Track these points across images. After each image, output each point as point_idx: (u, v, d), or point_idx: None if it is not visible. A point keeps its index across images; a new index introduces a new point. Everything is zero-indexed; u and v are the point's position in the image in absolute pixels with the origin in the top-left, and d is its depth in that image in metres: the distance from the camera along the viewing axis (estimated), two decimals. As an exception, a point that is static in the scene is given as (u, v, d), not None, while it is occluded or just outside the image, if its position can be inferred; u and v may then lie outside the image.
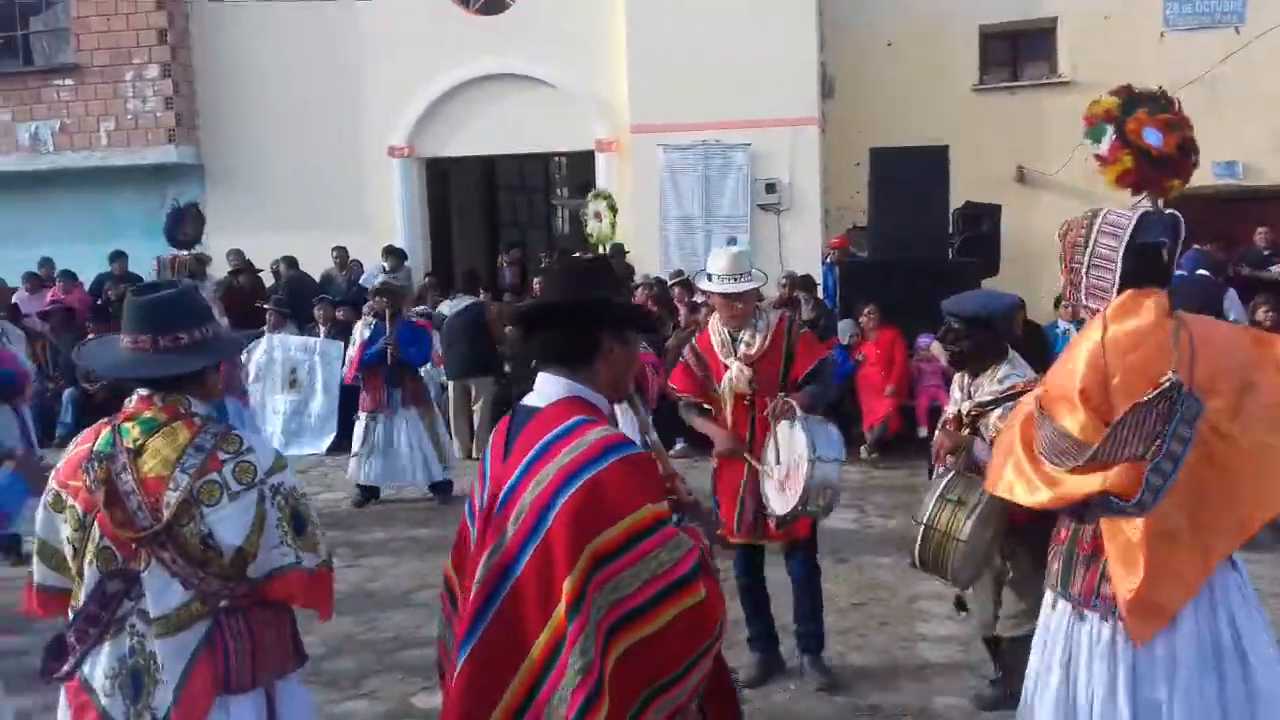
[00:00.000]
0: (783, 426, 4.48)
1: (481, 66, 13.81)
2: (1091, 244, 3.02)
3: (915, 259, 10.43)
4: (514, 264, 14.36)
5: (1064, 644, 2.94)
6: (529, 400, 2.36)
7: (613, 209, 9.70)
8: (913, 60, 13.47)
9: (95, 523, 2.46)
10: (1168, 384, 2.70)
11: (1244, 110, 12.92)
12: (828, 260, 12.74)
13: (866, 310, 10.05)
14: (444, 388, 10.50)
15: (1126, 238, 2.98)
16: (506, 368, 10.13)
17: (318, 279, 13.04)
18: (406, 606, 6.04)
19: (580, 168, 16.82)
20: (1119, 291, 2.93)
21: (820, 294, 12.10)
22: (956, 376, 4.36)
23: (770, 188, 12.94)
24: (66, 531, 2.53)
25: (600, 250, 8.38)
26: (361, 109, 14.17)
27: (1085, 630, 2.89)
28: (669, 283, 11.60)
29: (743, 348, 4.69)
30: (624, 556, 2.12)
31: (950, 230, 11.36)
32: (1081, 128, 3.33)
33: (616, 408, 3.97)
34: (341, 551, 7.12)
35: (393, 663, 5.26)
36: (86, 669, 2.51)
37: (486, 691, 2.19)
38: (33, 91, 14.86)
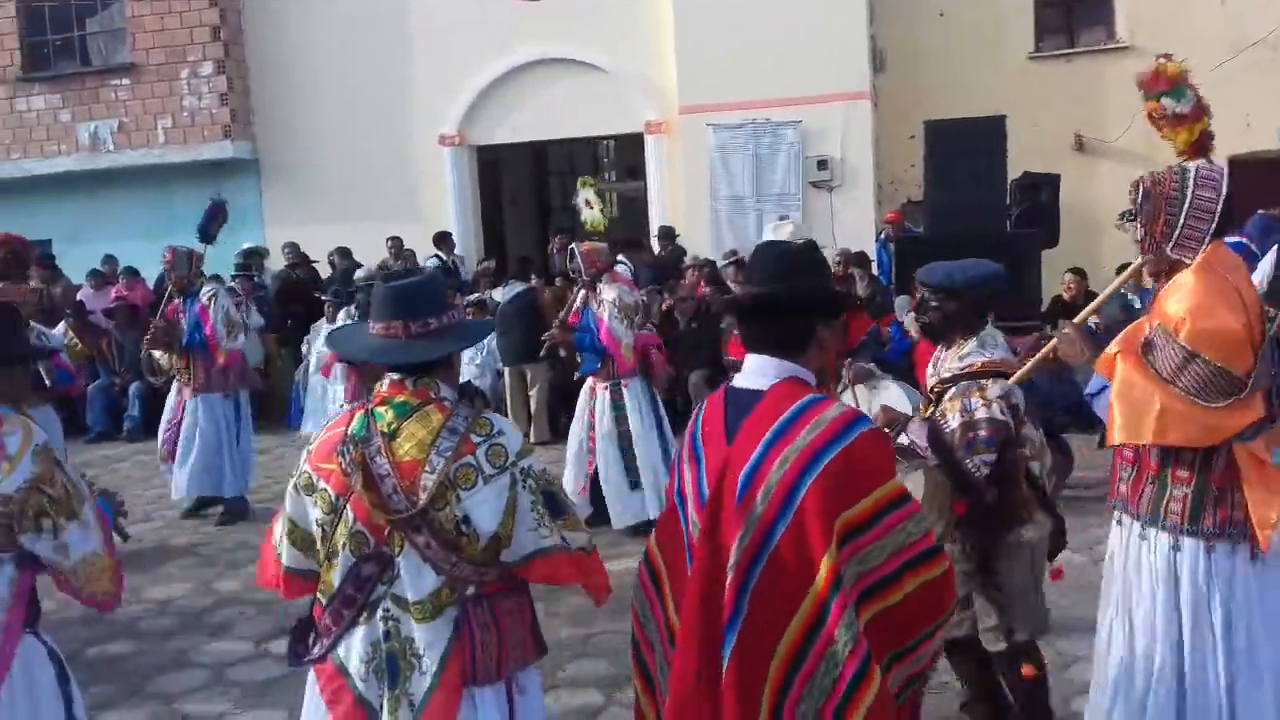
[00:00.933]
0: (861, 390, 4.53)
1: (529, 52, 13.81)
2: (1189, 196, 3.07)
3: (972, 232, 10.20)
4: (563, 249, 14.33)
5: (1191, 578, 3.04)
6: (743, 383, 2.44)
7: (600, 195, 9.63)
8: (966, 30, 13.25)
9: (348, 506, 2.47)
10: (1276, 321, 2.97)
11: (1310, 70, 12.58)
12: (882, 236, 12.59)
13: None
14: (500, 374, 10.57)
15: (1225, 189, 3.06)
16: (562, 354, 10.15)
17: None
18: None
19: (629, 150, 16.77)
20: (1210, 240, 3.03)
21: (875, 270, 11.98)
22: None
23: (822, 164, 12.80)
24: (317, 514, 2.53)
25: (597, 236, 8.37)
26: (412, 98, 14.25)
27: (1209, 562, 3.02)
28: (723, 263, 11.53)
29: None
30: (873, 529, 2.22)
31: (1008, 202, 11.17)
32: (1156, 88, 3.45)
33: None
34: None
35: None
36: (341, 653, 2.51)
37: (755, 668, 2.26)
38: (91, 91, 15.13)
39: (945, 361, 3.75)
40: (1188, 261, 3.06)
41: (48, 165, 15.24)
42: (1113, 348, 3.16)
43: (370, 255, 13.22)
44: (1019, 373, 3.64)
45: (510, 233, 16.53)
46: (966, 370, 3.61)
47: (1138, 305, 7.25)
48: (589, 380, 7.13)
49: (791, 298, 2.44)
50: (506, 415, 9.44)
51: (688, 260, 11.98)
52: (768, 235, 4.84)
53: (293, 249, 13.31)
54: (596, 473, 6.94)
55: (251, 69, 14.88)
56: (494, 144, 14.68)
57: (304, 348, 11.52)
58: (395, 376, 2.57)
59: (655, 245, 13.08)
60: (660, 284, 11.16)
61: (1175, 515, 3.05)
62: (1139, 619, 3.13)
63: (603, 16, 13.37)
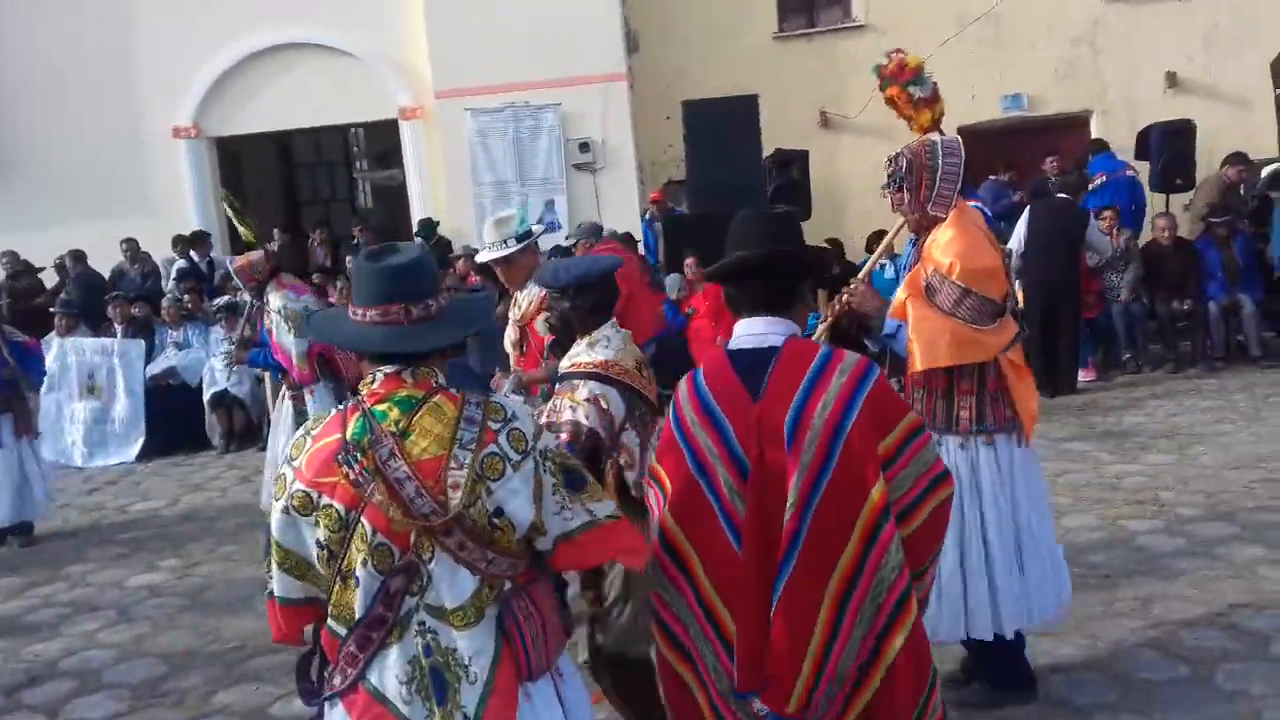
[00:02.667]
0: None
1: (269, 37, 13.05)
2: (940, 164, 3.73)
3: (733, 209, 10.49)
4: (323, 243, 13.72)
5: (988, 468, 3.67)
6: (746, 344, 2.57)
7: (236, 210, 9.29)
8: (712, 10, 13.57)
9: (362, 519, 2.16)
10: (1010, 254, 4.15)
11: (1027, 44, 13.62)
12: (647, 216, 12.73)
13: (689, 263, 10.08)
14: (259, 380, 9.94)
15: (962, 155, 3.77)
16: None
17: (107, 275, 12.08)
18: (250, 612, 5.66)
19: (382, 137, 16.22)
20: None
21: (642, 250, 12.09)
22: None
23: (584, 147, 12.78)
24: (319, 534, 2.20)
25: (256, 247, 8.09)
26: (140, 89, 13.16)
27: (991, 452, 3.69)
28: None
29: (517, 311, 4.94)
30: (902, 457, 2.46)
31: (763, 179, 11.52)
32: (901, 78, 4.26)
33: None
34: (172, 563, 6.65)
35: (243, 673, 4.91)
36: (374, 678, 2.21)
37: (809, 597, 2.42)
38: None
39: (565, 360, 3.62)
40: (942, 217, 3.72)
41: None
42: (900, 294, 3.74)
43: (103, 260, 12.16)
44: (820, 329, 3.75)
45: (257, 228, 15.61)
46: (570, 370, 3.49)
47: (889, 273, 7.65)
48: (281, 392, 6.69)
49: (785, 257, 2.64)
50: (270, 422, 8.94)
51: (456, 249, 11.68)
52: (489, 227, 4.85)
53: (11, 257, 12.04)
54: None
55: (-49, 57, 13.32)
56: (235, 135, 13.81)
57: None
58: (389, 369, 2.26)
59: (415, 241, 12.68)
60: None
61: (965, 421, 3.70)
62: None
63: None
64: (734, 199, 10.48)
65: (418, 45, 12.77)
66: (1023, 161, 12.53)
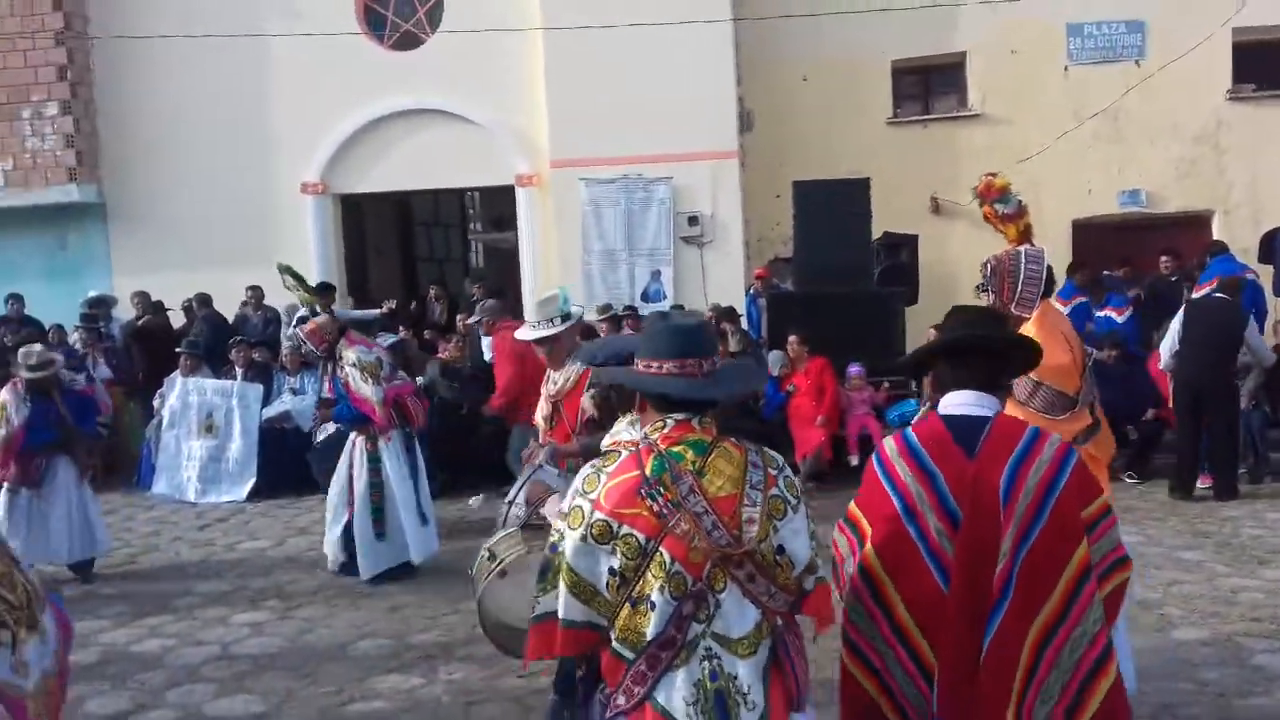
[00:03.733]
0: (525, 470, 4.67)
1: (397, 102, 13.59)
2: (1023, 271, 4.37)
3: (839, 289, 10.56)
4: (440, 299, 14.10)
5: None
6: (958, 411, 2.88)
7: (295, 277, 9.89)
8: (828, 94, 13.69)
9: (661, 548, 2.42)
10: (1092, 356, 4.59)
11: (1146, 140, 13.44)
12: (751, 291, 12.81)
13: (793, 340, 10.10)
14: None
15: (1046, 265, 4.44)
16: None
17: (231, 320, 12.61)
18: (346, 659, 5.78)
19: (496, 202, 16.67)
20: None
21: (744, 325, 12.16)
22: None
23: (693, 220, 12.98)
24: (614, 562, 2.44)
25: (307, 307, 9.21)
26: (273, 145, 13.81)
27: None
28: (597, 318, 11.51)
29: (553, 387, 5.01)
30: (1099, 528, 2.79)
31: (871, 261, 11.52)
32: (989, 197, 4.93)
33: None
34: (273, 603, 6.84)
35: (338, 717, 5.02)
36: (661, 698, 2.43)
37: (1012, 646, 2.67)
38: (-76, 130, 14.18)
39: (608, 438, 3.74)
40: (1026, 317, 4.27)
41: None
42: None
43: (227, 305, 12.70)
44: (923, 410, 4.10)
45: (374, 282, 16.14)
46: (612, 447, 3.59)
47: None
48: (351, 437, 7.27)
49: (1008, 342, 3.12)
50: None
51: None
52: (534, 306, 5.11)
53: (142, 298, 12.65)
54: (350, 523, 7.16)
55: (101, 111, 14.18)
56: (358, 192, 14.36)
57: (156, 402, 10.93)
58: (680, 416, 2.56)
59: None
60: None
61: None
62: None
63: (473, 68, 13.28)
64: (842, 279, 10.58)
65: (538, 115, 13.17)
66: (1139, 259, 12.29)
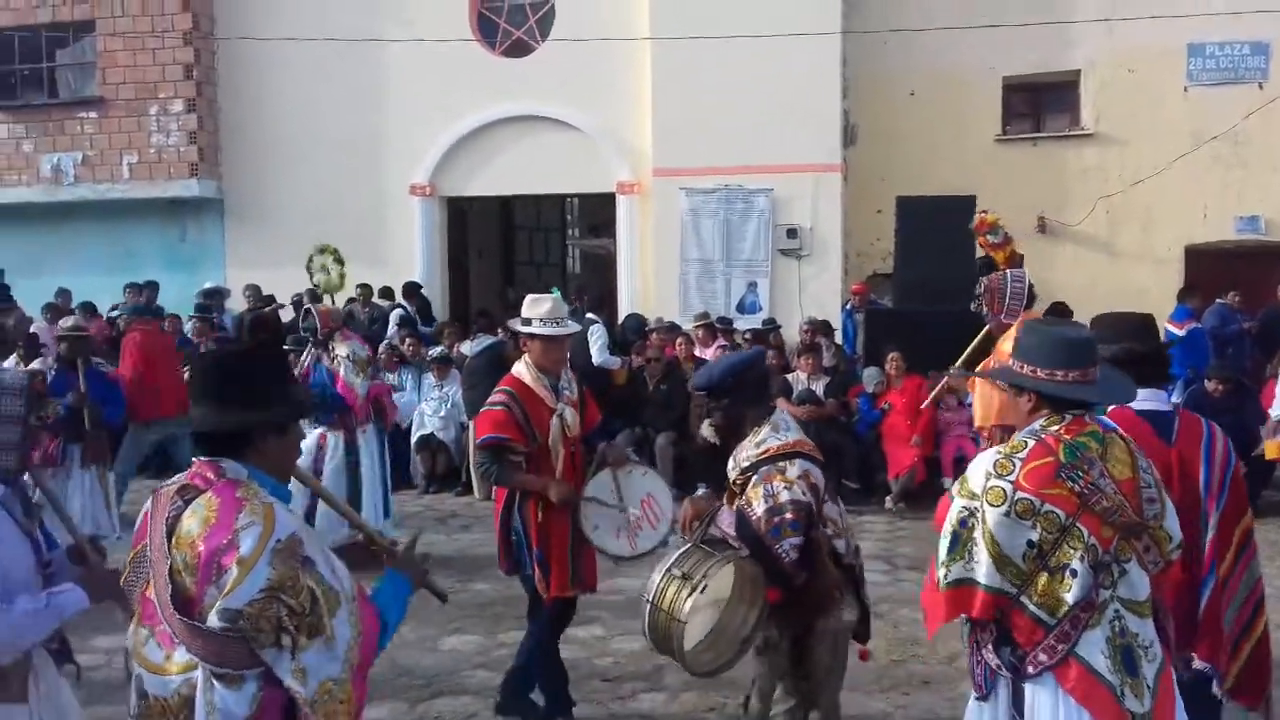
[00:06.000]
0: (608, 474, 4.60)
1: (505, 108, 13.88)
2: (1009, 288, 6.34)
3: (940, 308, 10.40)
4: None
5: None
6: (1146, 406, 3.41)
7: (339, 261, 10.05)
8: (935, 110, 13.51)
9: (1078, 523, 2.81)
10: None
11: (1267, 165, 12.97)
12: (848, 306, 12.71)
13: (891, 358, 10.00)
14: (464, 427, 10.44)
15: (1028, 283, 6.46)
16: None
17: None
18: (436, 650, 5.89)
19: (595, 209, 16.85)
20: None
21: (840, 340, 12.08)
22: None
23: (791, 233, 12.94)
24: (1032, 535, 2.81)
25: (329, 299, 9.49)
26: (384, 148, 14.23)
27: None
28: (693, 325, 11.56)
29: (567, 393, 4.70)
30: (1248, 549, 3.55)
31: (974, 280, 11.32)
32: (982, 230, 7.17)
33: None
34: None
35: (425, 713, 5.13)
36: (1083, 652, 2.81)
37: (1220, 603, 3.48)
38: (56, 123, 14.96)
39: (743, 451, 3.79)
40: (1011, 323, 5.69)
41: (6, 195, 15.01)
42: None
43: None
44: (929, 397, 5.80)
45: (475, 284, 16.47)
46: (764, 456, 3.68)
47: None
48: (317, 432, 7.44)
49: (1157, 352, 3.67)
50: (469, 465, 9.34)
51: (651, 323, 11.96)
52: (534, 302, 4.72)
53: (254, 291, 13.13)
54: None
55: (223, 109, 14.79)
56: (464, 195, 14.67)
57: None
58: (1075, 413, 2.96)
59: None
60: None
61: None
62: None
63: (581, 76, 13.49)
64: (942, 298, 10.42)
65: (642, 124, 13.30)
66: (1254, 286, 11.86)
